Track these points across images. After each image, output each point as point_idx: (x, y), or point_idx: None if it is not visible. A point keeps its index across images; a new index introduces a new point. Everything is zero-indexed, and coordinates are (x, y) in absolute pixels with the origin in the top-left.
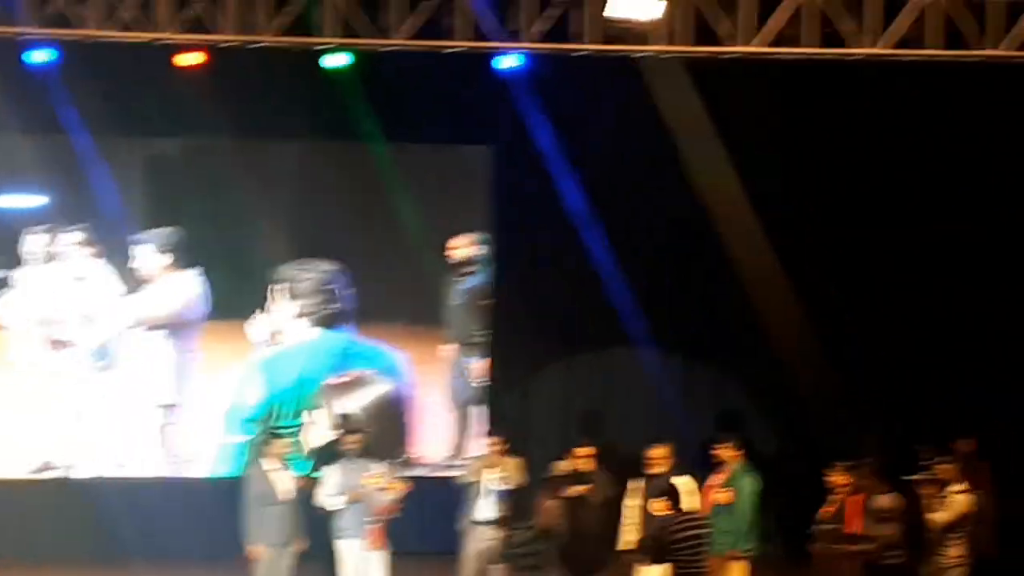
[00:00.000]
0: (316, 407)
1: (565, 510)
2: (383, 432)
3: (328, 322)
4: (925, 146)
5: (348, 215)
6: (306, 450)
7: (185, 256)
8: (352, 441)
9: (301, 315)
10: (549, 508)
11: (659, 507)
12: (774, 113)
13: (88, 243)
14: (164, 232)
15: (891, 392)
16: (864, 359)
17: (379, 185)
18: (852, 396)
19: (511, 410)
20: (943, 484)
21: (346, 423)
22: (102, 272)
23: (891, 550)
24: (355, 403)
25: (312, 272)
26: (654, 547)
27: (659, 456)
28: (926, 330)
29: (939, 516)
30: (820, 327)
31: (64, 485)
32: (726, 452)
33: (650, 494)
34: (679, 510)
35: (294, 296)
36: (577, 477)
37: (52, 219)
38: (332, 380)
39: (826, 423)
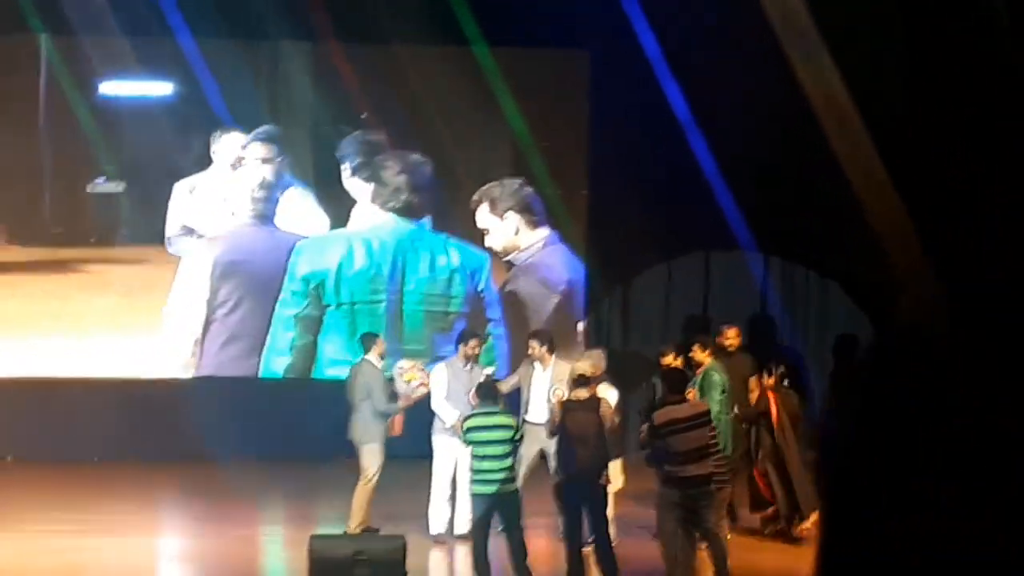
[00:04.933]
0: None
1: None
2: None
3: (401, 211)
4: None
5: (449, 119)
6: None
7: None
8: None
9: (373, 200)
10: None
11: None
12: (884, 18)
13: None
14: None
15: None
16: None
17: (481, 88)
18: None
19: (609, 315)
20: None
21: None
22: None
23: None
24: None
25: (394, 162)
26: None
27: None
28: None
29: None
30: (930, 235)
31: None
32: (698, 353)
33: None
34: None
35: (368, 180)
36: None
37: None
38: None
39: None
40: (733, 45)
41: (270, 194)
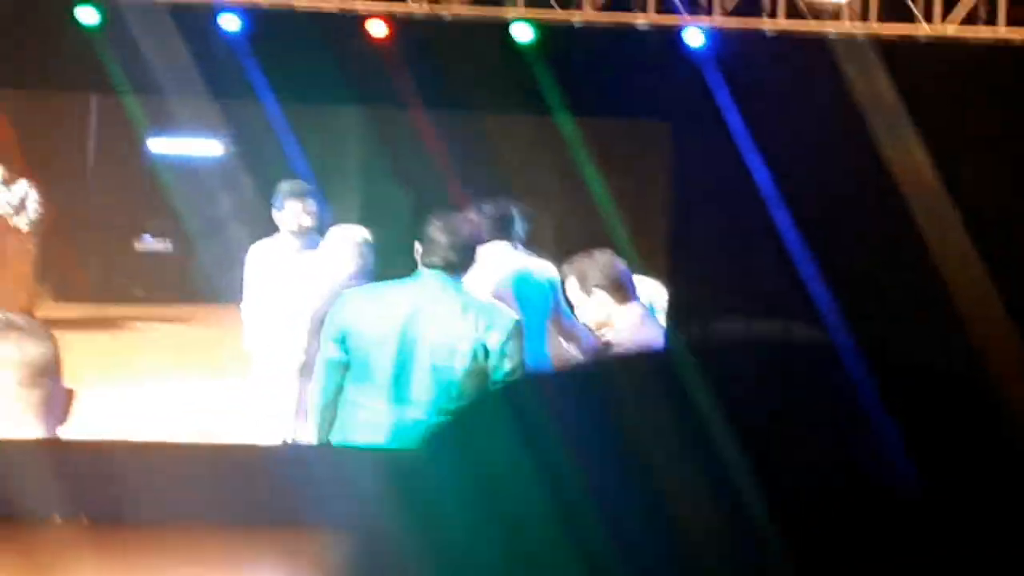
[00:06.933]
0: None
1: None
2: None
3: (437, 267)
4: None
5: (535, 187)
6: None
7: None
8: None
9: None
10: None
11: None
12: (973, 97)
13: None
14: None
15: None
16: None
17: (564, 158)
18: None
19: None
20: None
21: None
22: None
23: None
24: None
25: (438, 220)
26: None
27: None
28: None
29: None
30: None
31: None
32: None
33: None
34: None
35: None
36: None
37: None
38: None
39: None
40: (818, 119)
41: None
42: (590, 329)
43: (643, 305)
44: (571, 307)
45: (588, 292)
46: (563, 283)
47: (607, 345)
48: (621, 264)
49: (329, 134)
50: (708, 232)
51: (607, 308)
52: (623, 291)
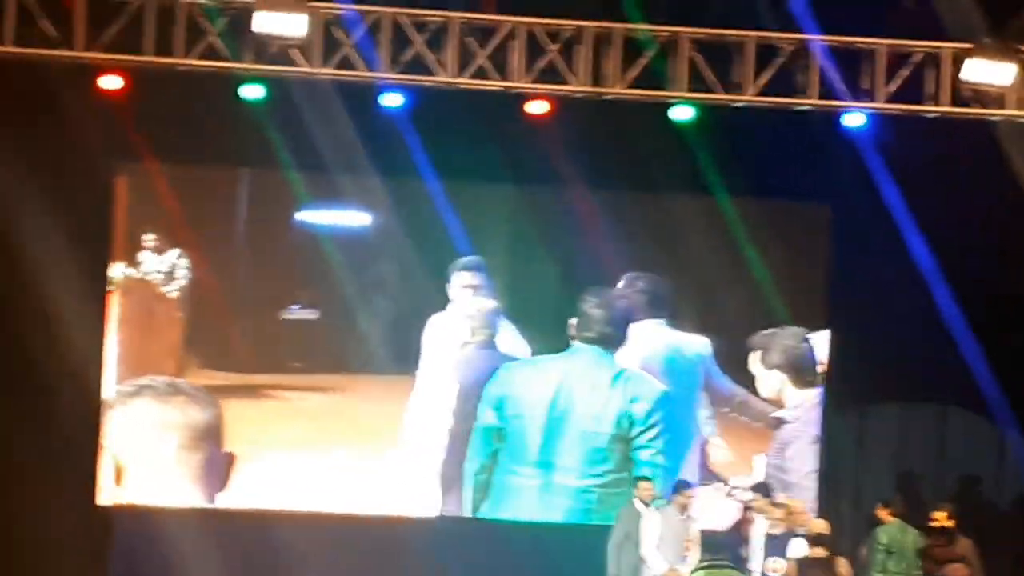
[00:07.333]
0: None
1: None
2: None
3: (592, 341)
4: None
5: (690, 265)
6: None
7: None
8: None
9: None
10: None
11: None
12: None
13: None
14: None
15: None
16: None
17: (721, 237)
18: None
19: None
20: None
21: None
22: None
23: None
24: None
25: (593, 296)
26: None
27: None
28: None
29: None
30: None
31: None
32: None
33: None
34: None
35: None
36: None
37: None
38: None
39: None
40: (979, 201)
41: (485, 320)
42: (761, 398)
43: (821, 390)
44: (751, 378)
45: (768, 368)
46: (748, 355)
47: (778, 421)
48: (808, 348)
49: (483, 209)
50: (867, 313)
51: (783, 388)
52: (803, 375)
